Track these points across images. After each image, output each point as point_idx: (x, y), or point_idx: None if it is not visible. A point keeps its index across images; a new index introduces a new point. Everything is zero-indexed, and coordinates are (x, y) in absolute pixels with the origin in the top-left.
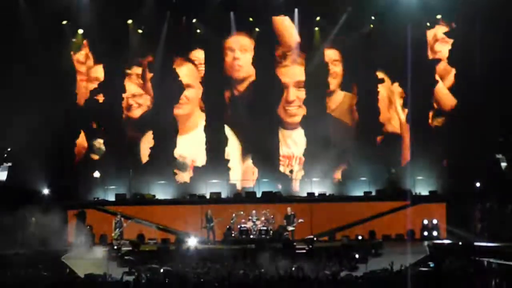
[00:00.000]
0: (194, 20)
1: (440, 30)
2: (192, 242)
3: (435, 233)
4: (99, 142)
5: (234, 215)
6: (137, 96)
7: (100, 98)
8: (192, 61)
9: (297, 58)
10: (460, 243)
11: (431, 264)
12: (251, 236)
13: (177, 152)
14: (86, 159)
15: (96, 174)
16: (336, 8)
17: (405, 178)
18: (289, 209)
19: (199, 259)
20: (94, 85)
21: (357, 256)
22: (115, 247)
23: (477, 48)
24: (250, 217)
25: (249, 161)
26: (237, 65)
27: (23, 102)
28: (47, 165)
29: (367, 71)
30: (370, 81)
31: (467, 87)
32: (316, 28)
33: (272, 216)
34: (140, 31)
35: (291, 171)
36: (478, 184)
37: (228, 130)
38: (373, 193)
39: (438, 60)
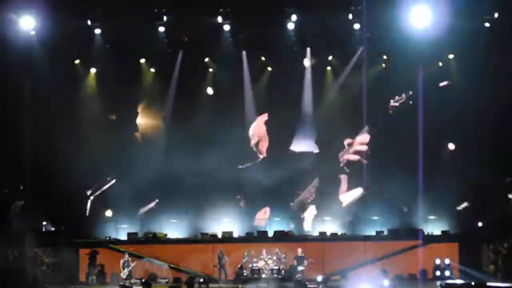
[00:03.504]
0: (206, 59)
1: None
2: None
3: (447, 273)
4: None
5: (246, 254)
6: None
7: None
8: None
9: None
10: (473, 283)
11: None
12: (263, 275)
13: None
14: (99, 198)
15: (108, 213)
16: (348, 47)
17: (418, 217)
18: (299, 250)
19: None
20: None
21: None
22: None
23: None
24: (262, 256)
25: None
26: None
27: (37, 139)
28: (59, 204)
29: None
30: (382, 119)
31: (476, 124)
32: (328, 68)
33: (284, 256)
34: (152, 70)
35: (300, 206)
36: (490, 224)
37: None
38: (385, 233)
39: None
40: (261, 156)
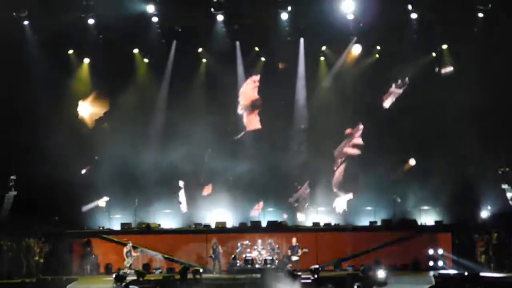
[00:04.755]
0: (200, 50)
1: None
2: None
3: (440, 263)
4: None
5: (239, 244)
6: None
7: (105, 126)
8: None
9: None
10: (466, 273)
11: None
12: (256, 266)
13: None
14: (92, 187)
15: (101, 203)
16: (341, 38)
17: (410, 207)
18: (294, 239)
19: None
20: (100, 114)
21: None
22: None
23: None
24: (255, 247)
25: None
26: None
27: (30, 129)
28: (53, 194)
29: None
30: (376, 112)
31: (470, 114)
32: (322, 58)
33: (277, 246)
34: (146, 60)
35: (296, 201)
36: (483, 215)
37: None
38: (379, 223)
39: None
40: (246, 129)
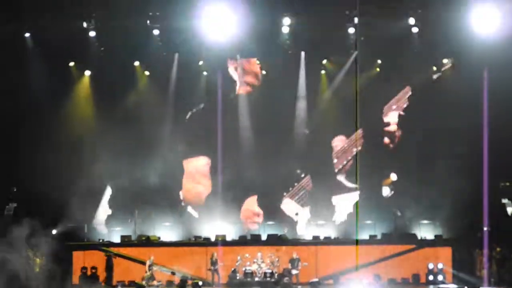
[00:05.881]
0: (200, 63)
1: None
2: None
3: (440, 278)
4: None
5: (239, 257)
6: None
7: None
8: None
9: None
10: None
11: None
12: (256, 279)
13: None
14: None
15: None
16: (342, 51)
17: (411, 221)
18: (294, 253)
19: None
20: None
21: None
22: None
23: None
24: (255, 260)
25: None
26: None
27: (29, 142)
28: (53, 206)
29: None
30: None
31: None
32: (323, 72)
33: (277, 259)
34: (147, 73)
35: (296, 214)
36: (484, 229)
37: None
38: (379, 237)
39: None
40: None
